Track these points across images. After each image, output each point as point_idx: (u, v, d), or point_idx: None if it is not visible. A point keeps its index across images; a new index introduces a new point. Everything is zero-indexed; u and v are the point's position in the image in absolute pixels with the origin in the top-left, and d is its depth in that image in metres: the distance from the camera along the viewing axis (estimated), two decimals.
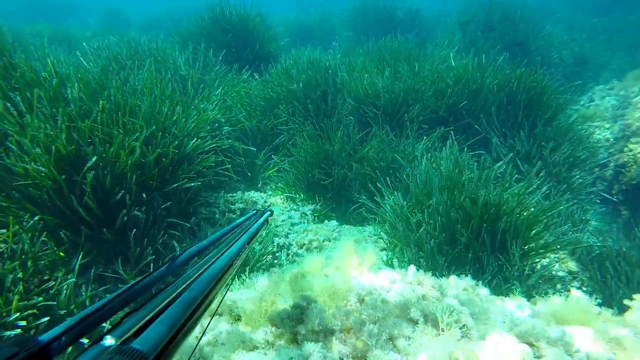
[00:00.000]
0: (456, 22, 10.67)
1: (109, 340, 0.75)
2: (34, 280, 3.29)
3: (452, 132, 5.21)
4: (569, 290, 2.83)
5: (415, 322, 1.73)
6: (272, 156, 6.13)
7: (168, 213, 4.21)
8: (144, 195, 3.93)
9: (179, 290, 1.02)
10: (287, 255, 4.90)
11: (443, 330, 1.78)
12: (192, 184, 4.19)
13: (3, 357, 0.63)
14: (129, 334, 0.82)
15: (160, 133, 4.06)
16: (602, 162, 6.05)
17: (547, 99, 5.44)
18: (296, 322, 1.81)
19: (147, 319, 0.88)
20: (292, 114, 6.40)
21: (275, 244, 4.94)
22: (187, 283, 1.05)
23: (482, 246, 3.55)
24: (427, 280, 2.30)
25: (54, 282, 3.09)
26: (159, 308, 0.94)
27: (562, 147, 5.03)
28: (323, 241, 4.96)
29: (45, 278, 3.30)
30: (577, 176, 4.91)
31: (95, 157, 3.31)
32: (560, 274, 4.48)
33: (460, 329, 1.73)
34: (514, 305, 2.43)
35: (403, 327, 1.64)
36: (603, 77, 10.13)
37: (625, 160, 5.72)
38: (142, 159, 3.91)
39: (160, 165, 4.05)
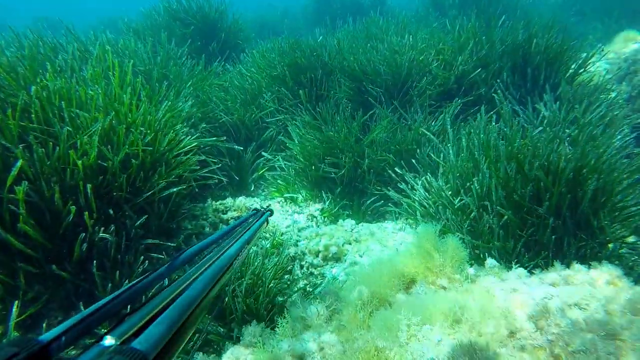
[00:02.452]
0: (429, 1, 10.18)
1: (108, 340, 0.75)
2: None
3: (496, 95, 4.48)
4: None
5: None
6: (262, 152, 5.19)
7: (146, 232, 3.18)
8: (111, 211, 2.90)
9: (178, 290, 1.02)
10: (302, 267, 3.97)
11: None
12: (174, 189, 3.19)
13: (4, 357, 0.64)
14: (129, 334, 0.80)
15: (124, 126, 3.04)
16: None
17: (567, 57, 4.87)
18: None
19: (147, 318, 0.88)
20: (279, 103, 5.49)
21: (284, 255, 4.00)
22: (187, 283, 1.04)
23: (562, 224, 2.80)
24: (577, 276, 1.49)
25: None
26: (158, 308, 0.93)
27: (596, 106, 4.44)
28: (343, 245, 4.07)
29: None
30: (618, 137, 4.32)
31: (21, 160, 2.27)
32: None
33: None
34: None
35: None
36: (584, 46, 9.93)
37: None
38: (102, 162, 2.88)
39: (130, 170, 3.03)
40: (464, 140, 3.60)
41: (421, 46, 5.37)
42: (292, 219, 4.58)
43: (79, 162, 2.60)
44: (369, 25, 6.70)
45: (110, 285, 2.71)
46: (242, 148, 5.02)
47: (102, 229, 2.76)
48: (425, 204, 3.62)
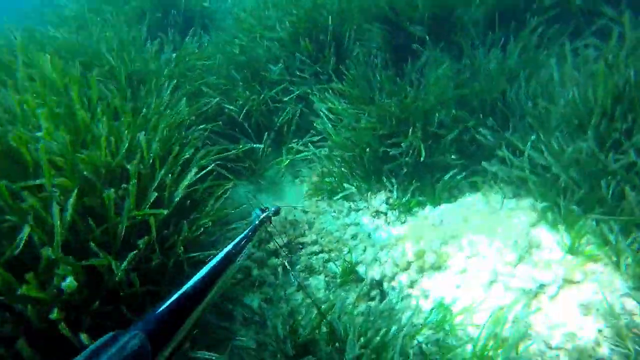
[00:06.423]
0: None
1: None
2: None
3: None
4: None
5: None
6: (294, 145, 3.99)
7: None
8: None
9: (189, 286, 1.30)
10: (393, 289, 2.96)
11: None
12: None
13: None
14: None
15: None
16: None
17: None
18: None
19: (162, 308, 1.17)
20: (289, 73, 4.21)
21: (369, 279, 2.96)
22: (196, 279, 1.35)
23: None
24: None
25: None
26: (172, 299, 1.21)
27: None
28: (440, 247, 3.04)
29: None
30: None
31: None
32: None
33: None
34: None
35: None
36: None
37: None
38: None
39: None
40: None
41: None
42: (353, 220, 3.51)
43: None
44: None
45: None
46: (261, 146, 3.81)
47: None
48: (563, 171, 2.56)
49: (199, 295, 1.31)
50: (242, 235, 1.79)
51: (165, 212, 2.02)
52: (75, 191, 1.83)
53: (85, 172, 2.27)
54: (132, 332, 1.03)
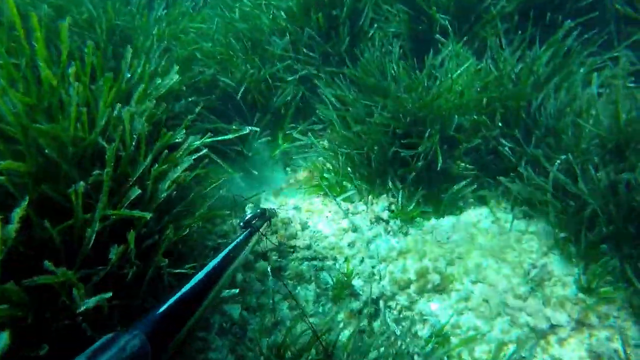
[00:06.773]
0: None
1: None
2: None
3: None
4: None
5: None
6: (294, 134, 3.61)
7: None
8: None
9: (188, 287, 1.26)
10: (390, 309, 2.71)
11: None
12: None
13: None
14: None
15: None
16: None
17: None
18: None
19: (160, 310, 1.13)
20: (296, 49, 3.76)
21: (365, 296, 2.68)
22: (193, 283, 1.31)
23: None
24: None
25: None
26: (171, 302, 1.17)
27: None
28: (446, 267, 2.80)
29: None
30: None
31: None
32: None
33: None
34: None
35: None
36: None
37: None
38: None
39: None
40: None
41: None
42: (351, 225, 3.20)
43: None
44: None
45: None
46: (257, 129, 3.40)
47: None
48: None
49: (199, 297, 1.29)
50: (241, 237, 1.84)
51: (149, 215, 1.64)
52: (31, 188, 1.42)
53: (46, 150, 1.86)
54: (132, 332, 1.00)
